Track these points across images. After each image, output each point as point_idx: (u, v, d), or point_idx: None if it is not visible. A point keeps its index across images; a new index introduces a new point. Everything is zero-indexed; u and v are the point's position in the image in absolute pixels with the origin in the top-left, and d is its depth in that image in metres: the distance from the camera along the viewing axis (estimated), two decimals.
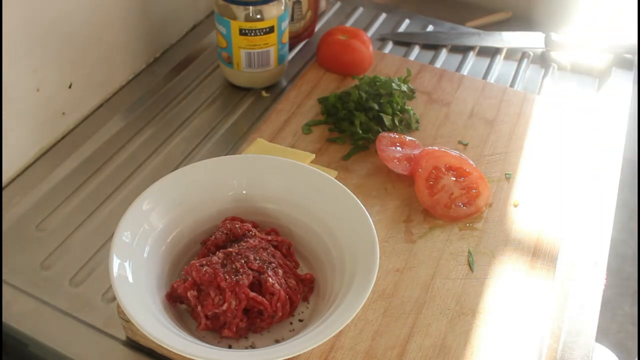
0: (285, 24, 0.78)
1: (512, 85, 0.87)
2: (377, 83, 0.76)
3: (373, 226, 0.54)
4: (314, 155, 0.70)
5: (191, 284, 0.52)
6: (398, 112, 0.75)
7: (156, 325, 0.47)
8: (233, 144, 0.76)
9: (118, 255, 0.50)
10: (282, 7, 0.76)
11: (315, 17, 0.90)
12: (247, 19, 0.74)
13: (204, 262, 0.52)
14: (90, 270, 0.61)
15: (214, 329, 0.53)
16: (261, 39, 0.76)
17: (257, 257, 0.53)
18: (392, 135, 0.71)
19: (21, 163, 0.71)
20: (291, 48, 0.91)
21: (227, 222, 0.57)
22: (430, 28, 0.98)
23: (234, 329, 0.51)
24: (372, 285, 0.49)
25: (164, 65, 0.87)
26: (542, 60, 0.92)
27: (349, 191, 0.57)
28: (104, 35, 0.76)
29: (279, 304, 0.52)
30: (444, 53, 0.92)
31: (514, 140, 0.75)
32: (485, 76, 0.88)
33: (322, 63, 0.84)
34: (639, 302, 1.52)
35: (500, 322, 0.56)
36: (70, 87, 0.74)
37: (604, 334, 1.45)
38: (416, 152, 0.70)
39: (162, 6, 0.86)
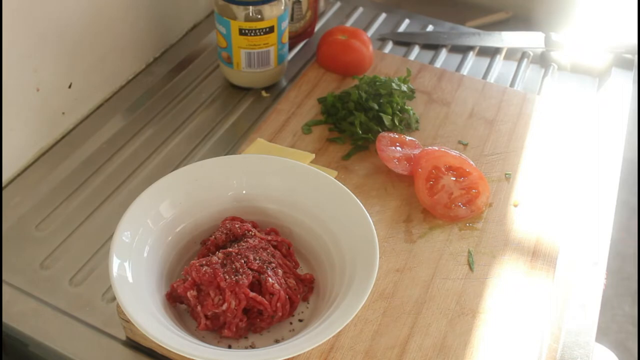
0: (285, 24, 0.78)
1: (512, 85, 0.87)
2: (377, 83, 0.76)
3: (373, 226, 0.54)
4: (313, 155, 0.70)
5: (191, 284, 0.52)
6: (398, 112, 0.75)
7: (156, 325, 0.47)
8: (233, 144, 0.76)
9: (118, 255, 0.50)
10: (282, 7, 0.76)
11: (315, 17, 0.90)
12: (247, 19, 0.74)
13: (204, 262, 0.52)
14: (90, 270, 0.61)
15: (214, 329, 0.53)
16: (261, 39, 0.76)
17: (257, 257, 0.53)
18: (392, 135, 0.71)
19: (21, 163, 0.71)
20: (291, 48, 0.91)
21: (227, 222, 0.57)
22: (430, 28, 0.98)
23: (234, 329, 0.51)
24: (372, 285, 0.49)
25: (163, 65, 0.87)
26: (542, 60, 0.92)
27: (349, 191, 0.57)
28: (103, 36, 0.76)
29: (278, 304, 0.52)
30: (444, 53, 0.92)
31: (514, 140, 0.75)
32: (485, 76, 0.88)
33: (322, 63, 0.84)
34: (639, 302, 1.52)
35: (500, 322, 0.56)
36: (70, 87, 0.74)
37: (604, 334, 1.45)
38: (416, 152, 0.70)
39: (162, 6, 0.86)
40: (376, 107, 0.74)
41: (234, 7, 0.74)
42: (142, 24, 0.83)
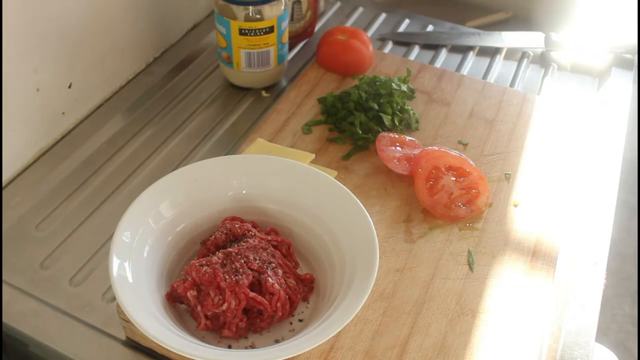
0: (285, 24, 0.78)
1: (512, 85, 0.87)
2: (377, 83, 0.76)
3: (373, 226, 0.54)
4: (313, 155, 0.70)
5: (191, 283, 0.52)
6: (398, 112, 0.75)
7: (156, 325, 0.47)
8: (233, 144, 0.76)
9: (118, 255, 0.50)
10: (282, 7, 0.76)
11: (315, 17, 0.90)
12: (247, 19, 0.74)
13: (204, 262, 0.52)
14: (90, 270, 0.61)
15: (214, 329, 0.53)
16: (261, 39, 0.76)
17: (257, 257, 0.53)
18: (392, 135, 0.71)
19: (21, 163, 0.71)
20: (291, 48, 0.91)
21: (227, 222, 0.57)
22: (430, 28, 0.98)
23: (234, 329, 0.51)
24: (372, 285, 0.49)
25: (164, 65, 0.87)
26: (542, 60, 0.92)
27: (348, 191, 0.57)
28: (104, 36, 0.76)
29: (278, 304, 0.52)
30: (444, 53, 0.92)
31: (514, 140, 0.75)
32: (485, 76, 0.88)
33: (322, 63, 0.84)
34: (639, 302, 1.52)
35: (500, 322, 0.56)
36: (70, 87, 0.74)
37: (604, 334, 1.46)
38: (416, 152, 0.70)
39: (162, 6, 0.86)
40: (376, 107, 0.74)
41: (234, 7, 0.74)
42: (142, 24, 0.83)
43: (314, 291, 0.57)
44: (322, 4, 0.97)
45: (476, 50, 0.93)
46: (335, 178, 0.62)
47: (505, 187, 0.69)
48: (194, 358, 0.45)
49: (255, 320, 0.52)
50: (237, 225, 0.56)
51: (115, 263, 0.50)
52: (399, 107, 0.75)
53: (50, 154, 0.73)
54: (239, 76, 0.81)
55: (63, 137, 0.75)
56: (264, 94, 0.83)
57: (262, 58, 0.78)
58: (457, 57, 0.91)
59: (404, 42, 0.94)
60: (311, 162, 0.70)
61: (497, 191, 0.68)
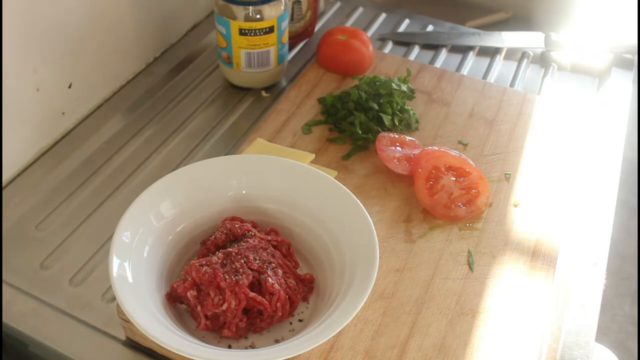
0: (285, 24, 0.78)
1: (512, 85, 0.87)
2: (377, 83, 0.76)
3: (373, 226, 0.54)
4: (313, 155, 0.70)
5: (191, 283, 0.52)
6: (398, 112, 0.75)
7: (156, 325, 0.47)
8: (233, 144, 0.76)
9: (118, 255, 0.50)
10: (282, 7, 0.76)
11: (315, 17, 0.90)
12: (247, 18, 0.74)
13: (204, 262, 0.52)
14: (90, 270, 0.61)
15: (214, 329, 0.53)
16: (261, 39, 0.76)
17: (257, 257, 0.53)
18: (391, 135, 0.71)
19: (21, 163, 0.71)
20: (291, 48, 0.91)
21: (227, 222, 0.57)
22: (430, 28, 0.98)
23: (234, 329, 0.51)
24: (372, 285, 0.49)
25: (163, 65, 0.87)
26: (542, 60, 0.92)
27: (348, 191, 0.57)
28: (103, 36, 0.76)
29: (278, 304, 0.52)
30: (444, 53, 0.92)
31: (514, 140, 0.75)
32: (485, 76, 0.88)
33: (322, 63, 0.84)
34: (639, 302, 1.52)
35: (500, 322, 0.56)
36: (70, 87, 0.74)
37: (604, 334, 1.46)
38: (416, 152, 0.70)
39: (162, 6, 0.86)
40: (376, 107, 0.74)
41: (234, 7, 0.74)
42: (143, 24, 0.83)
43: (314, 291, 0.57)
44: (322, 4, 0.97)
45: (476, 50, 0.93)
46: (335, 178, 0.62)
47: (505, 187, 0.69)
48: (194, 358, 0.45)
49: (255, 320, 0.52)
50: (237, 225, 0.56)
51: (115, 263, 0.50)
52: (399, 107, 0.75)
53: (50, 154, 0.73)
54: (239, 76, 0.81)
55: (63, 137, 0.75)
56: (264, 94, 0.83)
57: (262, 58, 0.78)
58: (457, 57, 0.91)
59: (404, 42, 0.94)
60: (311, 162, 0.70)
61: (497, 191, 0.68)
